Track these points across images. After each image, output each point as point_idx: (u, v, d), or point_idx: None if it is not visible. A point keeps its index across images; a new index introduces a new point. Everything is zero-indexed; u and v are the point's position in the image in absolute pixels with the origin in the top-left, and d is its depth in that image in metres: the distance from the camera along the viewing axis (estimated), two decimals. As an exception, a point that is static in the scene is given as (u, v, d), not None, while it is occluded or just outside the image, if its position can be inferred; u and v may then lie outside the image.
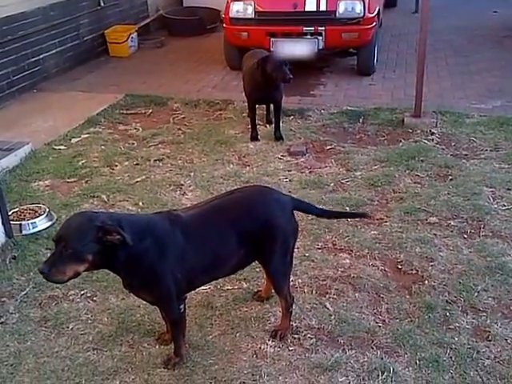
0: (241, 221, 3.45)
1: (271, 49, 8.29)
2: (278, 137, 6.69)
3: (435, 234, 4.81)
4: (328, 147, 6.50)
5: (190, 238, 3.32)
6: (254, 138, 6.71)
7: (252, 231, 3.44)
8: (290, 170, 5.98)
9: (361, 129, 6.98)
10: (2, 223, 4.68)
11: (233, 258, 3.49)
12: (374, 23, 8.55)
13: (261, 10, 8.50)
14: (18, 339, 3.80)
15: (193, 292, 3.74)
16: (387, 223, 5.00)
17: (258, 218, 3.49)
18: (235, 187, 5.49)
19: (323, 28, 8.31)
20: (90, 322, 3.94)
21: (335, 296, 4.11)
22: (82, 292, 4.22)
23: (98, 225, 2.97)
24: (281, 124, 6.76)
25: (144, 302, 4.01)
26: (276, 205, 3.59)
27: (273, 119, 6.85)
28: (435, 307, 3.96)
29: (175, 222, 3.33)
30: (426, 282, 4.23)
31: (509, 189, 5.48)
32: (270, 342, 3.69)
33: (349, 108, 7.59)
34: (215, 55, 10.03)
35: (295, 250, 4.55)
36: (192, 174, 5.92)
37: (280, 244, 3.53)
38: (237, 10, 8.62)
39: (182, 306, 3.43)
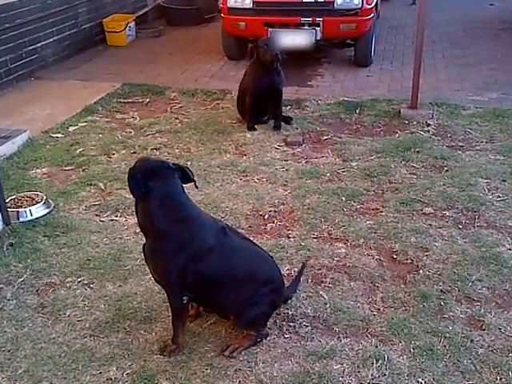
0: (257, 275, 3.56)
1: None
2: (277, 126, 6.69)
3: (430, 225, 4.83)
4: (325, 138, 6.51)
5: (219, 251, 3.41)
6: (251, 127, 6.70)
7: (254, 288, 3.51)
8: (287, 160, 5.99)
9: (357, 120, 6.99)
10: (0, 210, 4.69)
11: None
12: (372, 14, 8.55)
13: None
14: (15, 325, 3.81)
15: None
16: (383, 213, 5.02)
17: (266, 281, 3.58)
18: (232, 176, 5.57)
19: (321, 19, 8.30)
20: (86, 308, 3.95)
21: (331, 285, 4.13)
22: (79, 279, 4.23)
23: (148, 166, 3.38)
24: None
25: (141, 289, 4.07)
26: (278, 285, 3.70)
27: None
28: (430, 296, 3.98)
29: (219, 230, 3.46)
30: (421, 271, 4.26)
31: (504, 180, 5.51)
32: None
33: (346, 99, 7.58)
34: (213, 45, 10.02)
35: (291, 238, 4.65)
36: (189, 162, 5.91)
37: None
38: (235, -1, 8.62)
39: (185, 298, 3.44)
